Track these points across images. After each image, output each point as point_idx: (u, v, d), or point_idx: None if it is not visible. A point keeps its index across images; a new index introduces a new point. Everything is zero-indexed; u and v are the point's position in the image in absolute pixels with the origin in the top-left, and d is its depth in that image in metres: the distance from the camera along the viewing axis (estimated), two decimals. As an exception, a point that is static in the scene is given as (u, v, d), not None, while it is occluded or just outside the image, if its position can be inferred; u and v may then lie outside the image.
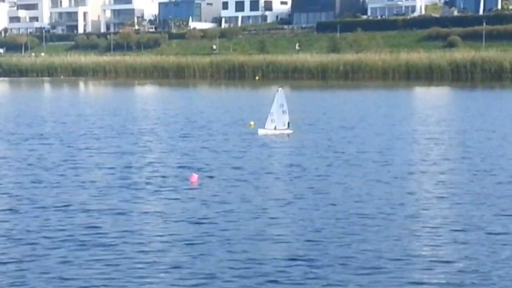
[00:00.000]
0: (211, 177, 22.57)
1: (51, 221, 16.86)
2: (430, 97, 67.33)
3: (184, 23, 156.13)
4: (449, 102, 60.55)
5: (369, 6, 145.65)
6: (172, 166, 24.86)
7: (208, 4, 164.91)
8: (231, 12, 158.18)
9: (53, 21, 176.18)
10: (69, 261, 13.65)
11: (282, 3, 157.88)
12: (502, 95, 71.39)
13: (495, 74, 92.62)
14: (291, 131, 34.16)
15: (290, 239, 15.21)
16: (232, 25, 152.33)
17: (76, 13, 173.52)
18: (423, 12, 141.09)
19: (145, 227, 16.24)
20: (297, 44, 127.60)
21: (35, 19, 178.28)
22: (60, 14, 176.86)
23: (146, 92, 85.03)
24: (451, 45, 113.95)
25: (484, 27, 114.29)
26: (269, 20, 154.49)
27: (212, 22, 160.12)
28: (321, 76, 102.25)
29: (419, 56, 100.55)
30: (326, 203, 18.65)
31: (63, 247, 14.63)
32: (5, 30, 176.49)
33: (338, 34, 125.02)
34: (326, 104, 56.57)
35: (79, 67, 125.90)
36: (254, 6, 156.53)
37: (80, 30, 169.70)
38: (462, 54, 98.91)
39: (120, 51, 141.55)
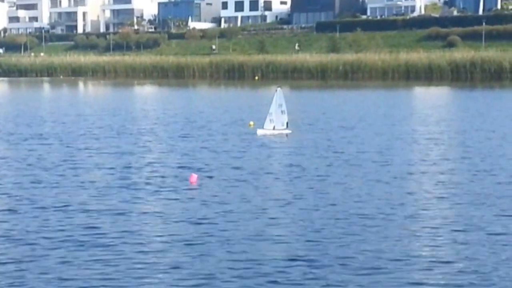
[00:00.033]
0: (211, 177, 22.54)
1: (51, 221, 16.83)
2: (430, 97, 67.32)
3: (184, 23, 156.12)
4: (448, 102, 60.54)
5: (369, 6, 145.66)
6: (171, 166, 24.83)
7: (207, 4, 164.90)
8: (230, 12, 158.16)
9: (53, 21, 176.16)
10: (68, 262, 13.62)
11: (281, 3, 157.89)
12: (501, 95, 71.39)
13: (495, 74, 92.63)
14: (289, 131, 34.14)
15: (290, 239, 15.18)
16: (231, 25, 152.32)
17: (75, 13, 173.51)
18: (423, 12, 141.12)
19: (145, 228, 16.21)
20: (296, 44, 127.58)
21: (35, 19, 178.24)
22: (60, 14, 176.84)
23: (146, 92, 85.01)
24: (451, 45, 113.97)
25: (484, 27, 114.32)
26: (268, 20, 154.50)
27: (212, 22, 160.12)
28: (321, 76, 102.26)
29: (419, 56, 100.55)
30: (325, 203, 18.62)
31: (62, 247, 14.60)
32: (5, 30, 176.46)
33: (337, 34, 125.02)
34: (326, 104, 56.55)
35: (78, 67, 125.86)
36: (253, 6, 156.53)
37: (80, 30, 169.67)
38: (462, 54, 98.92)
39: (120, 51, 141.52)
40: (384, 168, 24.34)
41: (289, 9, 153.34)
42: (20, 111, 50.94)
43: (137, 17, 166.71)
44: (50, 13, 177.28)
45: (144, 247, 14.61)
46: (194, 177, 21.84)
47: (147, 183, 21.62)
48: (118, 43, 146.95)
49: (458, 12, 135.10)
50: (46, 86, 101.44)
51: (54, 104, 61.57)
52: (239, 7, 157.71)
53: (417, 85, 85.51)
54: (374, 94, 73.16)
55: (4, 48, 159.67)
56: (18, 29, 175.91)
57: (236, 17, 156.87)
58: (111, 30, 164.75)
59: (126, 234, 15.58)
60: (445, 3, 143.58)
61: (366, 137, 33.43)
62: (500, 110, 48.99)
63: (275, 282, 12.52)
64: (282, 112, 34.32)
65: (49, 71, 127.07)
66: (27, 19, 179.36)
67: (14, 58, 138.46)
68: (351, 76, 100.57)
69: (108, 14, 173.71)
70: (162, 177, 22.71)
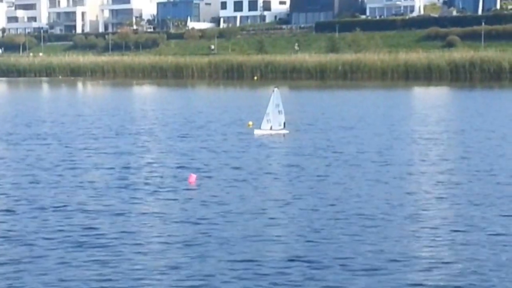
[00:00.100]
0: (209, 177, 22.49)
1: (49, 222, 16.80)
2: (429, 97, 67.31)
3: (183, 23, 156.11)
4: (448, 102, 60.53)
5: (368, 6, 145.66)
6: (170, 167, 24.80)
7: (206, 4, 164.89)
8: (229, 12, 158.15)
9: (51, 21, 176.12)
10: (67, 262, 13.58)
11: (280, 3, 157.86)
12: (501, 95, 71.39)
13: (494, 74, 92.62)
14: (287, 132, 34.10)
15: (289, 239, 15.15)
16: (230, 25, 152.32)
17: (74, 13, 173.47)
18: (422, 12, 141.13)
19: (144, 228, 16.17)
20: (296, 44, 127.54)
21: (33, 19, 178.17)
22: (58, 14, 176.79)
23: (145, 92, 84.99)
24: (450, 45, 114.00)
25: (483, 27, 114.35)
26: (267, 20, 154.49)
27: (211, 22, 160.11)
28: (320, 76, 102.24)
29: (418, 56, 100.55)
30: (325, 204, 18.59)
31: (61, 248, 14.56)
32: (3, 30, 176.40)
33: (336, 34, 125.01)
34: (325, 104, 56.52)
35: (77, 67, 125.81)
36: (252, 6, 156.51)
37: (78, 30, 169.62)
38: (461, 54, 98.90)
39: (119, 51, 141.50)
40: (384, 168, 24.30)
41: (288, 9, 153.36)
42: (18, 111, 50.90)
43: (136, 17, 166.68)
44: (49, 13, 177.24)
45: (143, 247, 14.57)
46: (193, 177, 21.80)
47: (146, 183, 21.59)
48: (117, 43, 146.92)
49: (457, 12, 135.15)
50: (45, 86, 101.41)
51: (52, 104, 61.54)
52: (238, 7, 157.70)
53: (417, 85, 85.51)
54: (373, 94, 73.15)
55: (2, 48, 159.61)
56: (17, 29, 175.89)
57: (235, 17, 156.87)
58: (110, 30, 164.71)
59: (125, 234, 15.54)
60: (444, 3, 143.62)
61: (365, 137, 33.40)
62: (499, 110, 48.97)
63: (274, 282, 12.49)
64: (279, 112, 34.27)
65: (48, 71, 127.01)
66: (25, 19, 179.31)
67: (13, 58, 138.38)
68: (350, 76, 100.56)
69: (107, 14, 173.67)
70: (161, 177, 22.68)
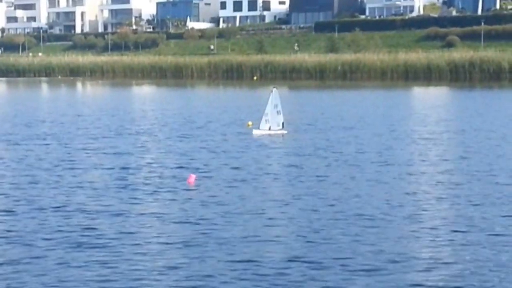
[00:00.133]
0: (209, 177, 22.46)
1: (48, 222, 16.77)
2: (429, 97, 67.30)
3: (182, 23, 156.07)
4: (447, 102, 60.51)
5: (367, 6, 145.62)
6: (170, 167, 24.77)
7: (206, 4, 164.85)
8: (229, 12, 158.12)
9: (51, 21, 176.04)
10: (66, 263, 13.56)
11: (280, 3, 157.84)
12: (500, 95, 71.38)
13: (494, 74, 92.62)
14: (285, 132, 34.07)
15: (288, 240, 15.13)
16: (230, 25, 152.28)
17: (73, 13, 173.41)
18: (422, 12, 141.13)
19: (143, 228, 16.15)
20: (296, 44, 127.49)
21: (33, 19, 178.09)
22: (58, 14, 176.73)
23: (144, 92, 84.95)
24: (450, 45, 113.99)
25: (483, 27, 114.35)
26: (267, 20, 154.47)
27: (210, 22, 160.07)
28: (319, 76, 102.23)
29: (418, 56, 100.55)
30: (324, 204, 18.56)
31: (60, 248, 14.54)
32: (3, 30, 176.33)
33: (336, 34, 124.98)
34: (324, 104, 56.49)
35: (76, 67, 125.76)
36: (252, 6, 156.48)
37: (78, 30, 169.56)
38: (461, 54, 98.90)
39: (118, 51, 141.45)
40: (383, 168, 24.27)
41: (288, 9, 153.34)
42: (18, 111, 50.86)
43: (136, 17, 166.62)
44: (48, 13, 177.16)
45: (142, 248, 14.55)
46: (192, 177, 21.77)
47: (145, 184, 21.56)
48: (116, 43, 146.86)
49: (457, 12, 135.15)
50: (44, 86, 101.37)
51: (52, 104, 61.50)
52: (237, 7, 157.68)
53: (416, 85, 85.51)
54: (373, 94, 73.13)
55: (2, 48, 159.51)
56: (16, 29, 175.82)
57: (234, 17, 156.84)
58: (109, 30, 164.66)
59: (124, 235, 15.52)
60: (444, 3, 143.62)
61: (365, 137, 33.37)
62: (499, 110, 48.96)
63: (274, 283, 12.47)
64: (278, 112, 34.22)
65: (47, 71, 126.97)
66: (25, 19, 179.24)
67: (12, 58, 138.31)
68: (350, 76, 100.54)
69: (106, 14, 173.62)
70: (160, 177, 22.65)
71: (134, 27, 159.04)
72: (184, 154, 27.89)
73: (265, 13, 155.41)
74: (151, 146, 30.75)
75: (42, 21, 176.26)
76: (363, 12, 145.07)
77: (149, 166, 24.95)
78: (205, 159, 26.48)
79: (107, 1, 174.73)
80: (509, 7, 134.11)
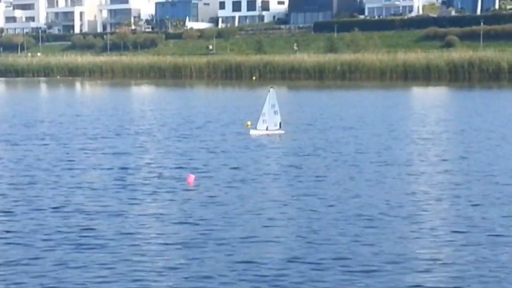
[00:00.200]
0: (208, 177, 22.42)
1: (47, 222, 16.73)
2: (428, 97, 67.28)
3: (181, 23, 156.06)
4: (446, 102, 60.49)
5: (367, 6, 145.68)
6: (169, 167, 24.73)
7: (205, 4, 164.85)
8: (228, 12, 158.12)
9: (50, 21, 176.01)
10: (65, 263, 13.52)
11: (279, 3, 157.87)
12: (499, 95, 71.37)
13: (493, 74, 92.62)
14: (283, 132, 34.02)
15: (288, 240, 15.10)
16: (229, 25, 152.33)
17: (72, 13, 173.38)
18: (421, 12, 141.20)
19: (142, 229, 16.11)
20: (295, 45, 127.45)
21: (31, 19, 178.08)
22: (57, 14, 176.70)
23: (143, 92, 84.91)
24: (449, 45, 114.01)
25: (482, 27, 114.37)
26: (266, 20, 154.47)
27: (209, 22, 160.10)
28: (318, 76, 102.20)
29: (417, 56, 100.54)
30: (323, 204, 18.52)
31: (59, 249, 14.50)
32: (1, 30, 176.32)
33: (335, 34, 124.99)
34: (323, 104, 56.44)
35: (75, 67, 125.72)
36: (251, 6, 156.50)
37: (77, 30, 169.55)
38: (460, 54, 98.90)
39: (117, 51, 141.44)
40: (383, 168, 24.24)
41: (287, 9, 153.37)
42: (17, 112, 50.80)
43: (134, 17, 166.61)
44: (47, 13, 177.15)
45: (141, 248, 14.51)
46: (191, 177, 21.72)
47: (145, 184, 21.51)
48: (115, 43, 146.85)
49: (456, 12, 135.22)
50: (43, 86, 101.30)
51: (51, 104, 61.45)
52: (236, 7, 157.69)
53: (415, 85, 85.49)
54: (372, 94, 73.11)
55: (1, 48, 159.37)
56: (15, 29, 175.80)
57: (233, 17, 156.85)
58: (108, 30, 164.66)
59: (123, 235, 15.48)
60: (443, 3, 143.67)
61: (364, 137, 33.33)
62: (498, 110, 48.95)
63: (273, 283, 12.44)
64: (275, 112, 34.17)
65: (46, 71, 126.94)
66: (23, 19, 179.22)
67: (11, 58, 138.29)
68: (349, 76, 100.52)
69: (105, 14, 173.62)
70: (160, 178, 22.60)
71: (133, 27, 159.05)
72: (183, 154, 27.85)
73: (264, 13, 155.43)
74: (150, 146, 30.70)
75: (41, 21, 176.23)
76: (362, 12, 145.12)
77: (148, 166, 24.91)
78: (204, 159, 26.44)
79: (106, 1, 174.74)
80: (508, 7, 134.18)
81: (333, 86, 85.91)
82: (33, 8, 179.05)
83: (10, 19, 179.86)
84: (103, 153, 28.50)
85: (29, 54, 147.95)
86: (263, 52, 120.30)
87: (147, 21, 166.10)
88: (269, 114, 34.18)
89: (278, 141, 32.09)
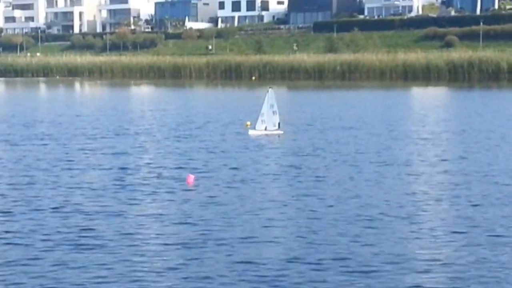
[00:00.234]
0: (207, 177, 22.39)
1: (46, 223, 16.72)
2: (428, 97, 67.27)
3: (181, 23, 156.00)
4: (446, 102, 60.47)
5: (366, 6, 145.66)
6: (168, 167, 24.70)
7: (204, 4, 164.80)
8: (227, 12, 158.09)
9: (49, 21, 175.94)
10: (64, 264, 13.50)
11: (278, 3, 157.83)
12: (499, 95, 71.34)
13: (493, 74, 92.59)
14: (281, 132, 33.97)
15: (287, 240, 15.08)
16: (228, 25, 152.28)
17: (71, 13, 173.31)
18: (420, 12, 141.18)
19: (141, 229, 16.09)
20: (295, 45, 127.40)
21: (31, 19, 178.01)
22: (56, 14, 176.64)
23: (142, 92, 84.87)
24: (449, 45, 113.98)
25: (481, 27, 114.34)
26: (265, 20, 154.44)
27: (209, 22, 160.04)
28: (318, 76, 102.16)
29: (416, 56, 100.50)
30: (323, 205, 18.50)
31: (58, 249, 14.48)
32: (1, 30, 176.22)
33: (335, 34, 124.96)
34: (323, 105, 56.40)
35: (74, 67, 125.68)
36: (250, 6, 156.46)
37: (76, 30, 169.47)
38: (460, 54, 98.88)
39: (116, 51, 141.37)
40: (382, 168, 24.21)
41: (286, 9, 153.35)
42: (16, 112, 50.75)
43: (134, 17, 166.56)
44: (46, 13, 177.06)
45: (140, 249, 14.50)
46: (191, 177, 21.68)
47: (144, 184, 21.48)
48: (115, 43, 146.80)
49: (455, 12, 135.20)
50: (42, 87, 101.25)
51: (50, 104, 61.41)
52: (236, 7, 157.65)
53: (415, 85, 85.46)
54: (372, 94, 73.08)
55: (0, 48, 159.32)
56: (14, 29, 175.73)
57: (233, 17, 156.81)
58: (107, 30, 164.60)
59: (123, 235, 15.46)
60: (442, 3, 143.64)
61: (364, 137, 33.30)
62: (497, 110, 48.92)
63: (272, 284, 12.42)
64: (274, 112, 34.13)
65: (45, 71, 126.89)
66: (23, 19, 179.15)
67: (10, 58, 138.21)
68: (349, 76, 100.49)
69: (104, 14, 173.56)
70: (159, 178, 22.57)
71: (132, 27, 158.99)
72: (183, 155, 27.82)
73: (263, 13, 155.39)
74: (149, 147, 30.66)
75: (40, 21, 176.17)
76: (362, 12, 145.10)
77: (148, 167, 24.87)
78: (203, 159, 26.40)
79: (105, 1, 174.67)
80: (507, 7, 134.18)
81: (333, 86, 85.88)
82: (32, 8, 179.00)
83: (9, 19, 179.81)
84: (102, 153, 28.46)
85: (29, 54, 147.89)
86: (263, 52, 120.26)
87: (147, 21, 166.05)
88: (268, 114, 34.14)
89: (278, 141, 32.06)
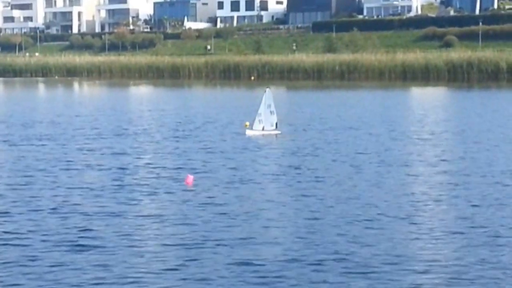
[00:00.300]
0: (206, 178, 22.34)
1: (45, 223, 16.69)
2: (427, 98, 67.25)
3: (179, 23, 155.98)
4: (445, 103, 60.47)
5: (365, 6, 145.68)
6: (167, 167, 24.66)
7: (203, 4, 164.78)
8: (226, 12, 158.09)
9: (48, 21, 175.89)
10: (62, 264, 13.47)
11: (277, 2, 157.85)
12: (498, 95, 71.34)
13: (492, 74, 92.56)
14: (279, 132, 33.92)
15: (286, 241, 15.05)
16: (227, 25, 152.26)
17: (70, 13, 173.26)
18: (419, 12, 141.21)
19: (140, 230, 16.06)
20: (294, 45, 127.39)
21: (29, 19, 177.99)
22: (55, 14, 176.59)
23: (141, 92, 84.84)
24: (448, 45, 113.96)
25: (481, 27, 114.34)
26: (264, 20, 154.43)
27: (208, 22, 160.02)
28: (317, 77, 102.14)
29: (416, 56, 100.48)
30: (322, 205, 18.47)
31: (56, 250, 14.44)
32: None
33: (334, 34, 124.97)
34: (322, 105, 56.36)
35: (73, 67, 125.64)
36: (249, 6, 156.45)
37: (75, 30, 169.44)
38: (459, 54, 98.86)
39: (115, 51, 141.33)
40: (381, 169, 24.20)
41: (285, 9, 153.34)
42: (14, 112, 50.70)
43: (133, 17, 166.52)
44: (45, 13, 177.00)
45: (139, 249, 14.47)
46: (190, 178, 21.63)
47: (143, 185, 21.42)
48: (114, 43, 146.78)
49: (454, 12, 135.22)
50: (41, 87, 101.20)
51: (49, 104, 61.36)
52: (235, 7, 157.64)
53: (414, 85, 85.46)
54: (371, 94, 73.08)
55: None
56: (13, 29, 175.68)
57: (232, 17, 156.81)
58: (106, 30, 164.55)
59: (121, 236, 15.43)
60: (441, 3, 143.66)
61: (363, 137, 33.27)
62: (497, 110, 48.93)
63: (272, 285, 12.40)
64: (271, 112, 34.08)
65: (44, 71, 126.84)
66: (21, 19, 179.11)
67: (9, 58, 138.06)
68: (348, 76, 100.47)
69: (103, 14, 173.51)
70: (158, 178, 22.53)
71: (131, 27, 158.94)
72: (182, 155, 27.78)
73: (262, 13, 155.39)
74: (148, 147, 30.62)
75: (39, 21, 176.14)
76: (361, 12, 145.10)
77: (147, 167, 24.84)
78: (202, 159, 26.37)
79: (104, 1, 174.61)
80: (507, 7, 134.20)
81: (332, 86, 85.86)
82: (31, 8, 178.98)
83: (8, 19, 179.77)
84: (101, 154, 28.42)
85: (27, 54, 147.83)
86: (262, 52, 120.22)
87: (146, 21, 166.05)
88: (265, 114, 34.09)
89: (277, 141, 32.02)
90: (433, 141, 31.75)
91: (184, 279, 12.64)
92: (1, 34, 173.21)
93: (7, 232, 15.86)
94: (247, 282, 12.50)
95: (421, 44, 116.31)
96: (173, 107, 53.87)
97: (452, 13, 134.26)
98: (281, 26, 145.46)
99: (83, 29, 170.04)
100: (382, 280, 12.54)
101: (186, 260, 13.66)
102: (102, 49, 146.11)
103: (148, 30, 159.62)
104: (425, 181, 21.87)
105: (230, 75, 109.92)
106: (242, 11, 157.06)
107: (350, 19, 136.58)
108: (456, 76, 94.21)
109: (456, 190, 20.38)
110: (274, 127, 34.08)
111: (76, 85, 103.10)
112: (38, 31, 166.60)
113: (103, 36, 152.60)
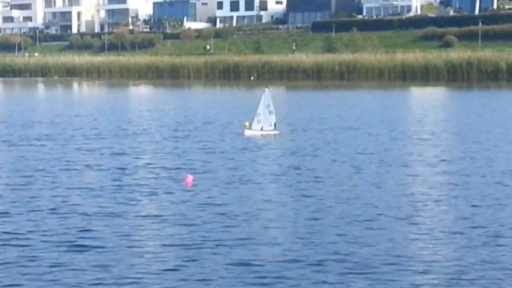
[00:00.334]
0: (206, 178, 22.32)
1: (44, 223, 16.67)
2: (426, 98, 67.25)
3: (179, 23, 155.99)
4: (445, 103, 60.47)
5: (365, 6, 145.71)
6: (167, 167, 24.64)
7: (203, 4, 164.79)
8: (226, 12, 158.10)
9: (47, 21, 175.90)
10: (61, 265, 13.45)
11: (277, 2, 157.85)
12: (498, 95, 71.33)
13: (491, 74, 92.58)
14: (277, 132, 33.90)
15: (286, 241, 15.03)
16: (227, 25, 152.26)
17: (70, 13, 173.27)
18: (419, 12, 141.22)
19: (139, 230, 16.04)
20: (293, 44, 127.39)
21: (29, 19, 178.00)
22: (54, 14, 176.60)
23: (141, 92, 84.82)
24: (447, 45, 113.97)
25: (480, 27, 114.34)
26: (264, 20, 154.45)
27: (207, 22, 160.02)
28: (317, 76, 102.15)
29: (415, 56, 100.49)
30: (322, 205, 18.46)
31: (55, 250, 14.43)
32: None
33: (333, 34, 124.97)
34: (321, 105, 56.35)
35: (73, 67, 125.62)
36: (249, 6, 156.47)
37: (74, 30, 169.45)
38: (458, 54, 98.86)
39: (114, 51, 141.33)
40: (381, 169, 24.18)
41: (285, 9, 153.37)
42: (14, 112, 50.68)
43: (132, 17, 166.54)
44: (44, 13, 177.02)
45: (138, 249, 14.46)
46: (189, 178, 21.61)
47: (142, 185, 21.40)
48: (113, 43, 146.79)
49: (454, 12, 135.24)
50: (40, 87, 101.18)
51: (48, 104, 61.34)
52: (234, 7, 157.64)
53: (414, 85, 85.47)
54: (370, 94, 73.07)
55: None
56: (12, 29, 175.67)
57: (231, 17, 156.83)
58: (105, 30, 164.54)
59: (121, 236, 15.42)
60: (441, 3, 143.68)
61: (362, 138, 33.25)
62: (496, 110, 48.93)
63: (271, 285, 12.37)
64: (270, 112, 34.06)
65: (43, 71, 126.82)
66: (21, 19, 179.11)
67: (8, 58, 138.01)
68: (347, 76, 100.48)
69: (102, 14, 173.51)
70: (157, 178, 22.51)
71: (130, 27, 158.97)
72: (181, 155, 27.77)
73: (262, 13, 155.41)
74: (147, 147, 30.60)
75: (38, 21, 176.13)
76: (360, 12, 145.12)
77: (146, 167, 24.82)
78: (202, 159, 26.35)
79: (103, 1, 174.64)
80: (506, 7, 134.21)
81: (331, 86, 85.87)
82: (30, 8, 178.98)
83: (7, 19, 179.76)
84: (100, 154, 28.41)
85: (27, 54, 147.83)
86: (261, 52, 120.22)
87: (145, 21, 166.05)
88: (264, 114, 34.08)
89: (276, 141, 32.00)
90: (433, 141, 31.74)
91: (183, 279, 12.63)
92: (1, 34, 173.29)
93: (7, 233, 15.84)
94: (246, 282, 12.48)
95: (420, 44, 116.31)
96: (172, 107, 53.85)
97: (451, 13, 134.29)
98: (280, 26, 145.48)
99: (83, 29, 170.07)
100: (382, 280, 12.53)
101: (186, 261, 13.65)
102: (101, 49, 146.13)
103: (148, 30, 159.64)
104: (425, 181, 21.86)
105: (229, 75, 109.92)
106: (242, 11, 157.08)
107: (350, 19, 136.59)
108: (455, 76, 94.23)
109: (456, 190, 20.37)
110: (273, 127, 34.05)
111: (75, 85, 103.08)
112: (37, 31, 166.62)
113: (102, 36, 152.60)
